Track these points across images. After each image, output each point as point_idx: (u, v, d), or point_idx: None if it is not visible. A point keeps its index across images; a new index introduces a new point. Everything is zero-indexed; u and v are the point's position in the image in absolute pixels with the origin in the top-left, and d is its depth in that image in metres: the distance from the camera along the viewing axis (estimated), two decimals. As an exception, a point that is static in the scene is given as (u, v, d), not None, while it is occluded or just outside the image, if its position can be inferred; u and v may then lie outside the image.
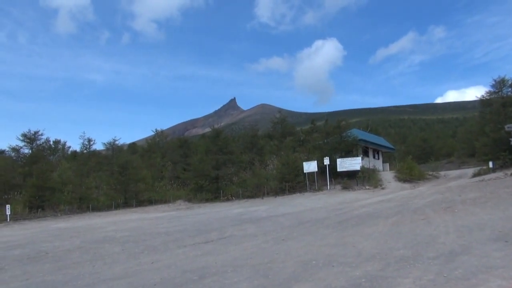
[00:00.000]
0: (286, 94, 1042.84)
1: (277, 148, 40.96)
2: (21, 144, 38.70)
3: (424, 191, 20.34)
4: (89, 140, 49.37)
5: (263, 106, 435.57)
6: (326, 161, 27.67)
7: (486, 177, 22.40)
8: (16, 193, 32.67)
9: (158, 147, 57.41)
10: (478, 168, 27.21)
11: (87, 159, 46.04)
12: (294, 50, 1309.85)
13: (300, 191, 27.67)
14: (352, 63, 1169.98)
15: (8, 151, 41.02)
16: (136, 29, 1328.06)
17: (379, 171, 32.79)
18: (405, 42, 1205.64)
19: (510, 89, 28.45)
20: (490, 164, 25.28)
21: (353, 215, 13.33)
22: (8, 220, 25.44)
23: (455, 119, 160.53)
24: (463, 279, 4.65)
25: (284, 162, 30.38)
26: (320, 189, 27.38)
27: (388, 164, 39.92)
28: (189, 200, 31.72)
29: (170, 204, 31.35)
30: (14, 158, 39.56)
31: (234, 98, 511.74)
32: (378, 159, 38.54)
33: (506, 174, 21.73)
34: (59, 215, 28.42)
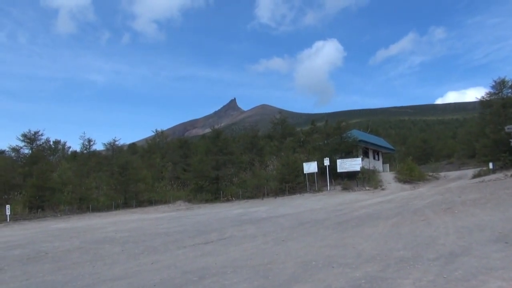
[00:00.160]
0: (286, 94, 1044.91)
1: (277, 149, 40.96)
2: (21, 144, 38.68)
3: (424, 192, 20.33)
4: (89, 141, 49.47)
5: (263, 106, 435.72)
6: (326, 162, 27.66)
7: (486, 178, 22.39)
8: (16, 193, 32.64)
9: (158, 148, 57.41)
10: (478, 169, 27.19)
11: (87, 160, 46.05)
12: (294, 51, 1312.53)
13: (300, 192, 27.66)
14: (352, 64, 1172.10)
15: (8, 151, 41.00)
16: (137, 30, 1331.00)
17: (379, 172, 32.78)
18: (406, 43, 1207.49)
19: (510, 90, 28.45)
20: (490, 165, 25.27)
21: (353, 216, 13.33)
22: (8, 220, 25.43)
23: (455, 120, 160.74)
24: (463, 280, 4.65)
25: (284, 163, 30.37)
26: (320, 190, 27.36)
27: (388, 165, 39.93)
28: (189, 201, 31.70)
29: (170, 205, 31.34)
30: (14, 158, 39.50)
31: (234, 99, 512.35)
32: (378, 160, 38.55)
33: (506, 175, 21.72)
34: (59, 215, 28.41)
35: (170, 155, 50.01)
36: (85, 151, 49.74)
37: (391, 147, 44.00)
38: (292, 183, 28.43)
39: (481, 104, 31.08)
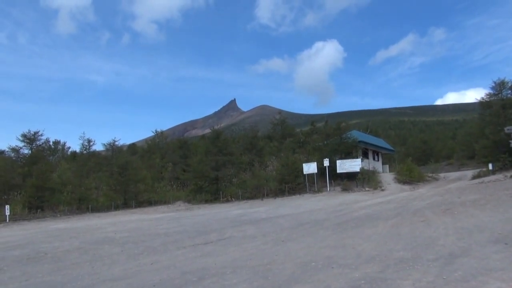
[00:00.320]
0: (286, 95, 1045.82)
1: (277, 149, 40.96)
2: (20, 144, 38.55)
3: (423, 193, 20.33)
4: (89, 141, 49.34)
5: (263, 107, 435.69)
6: (326, 162, 27.66)
7: (486, 179, 22.40)
8: (15, 193, 32.60)
9: (157, 148, 57.39)
10: (478, 170, 27.21)
11: (87, 160, 45.97)
12: (294, 52, 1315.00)
13: (299, 193, 27.66)
14: (352, 64, 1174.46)
15: (7, 151, 40.88)
16: (137, 30, 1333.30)
17: (378, 172, 32.79)
18: (405, 44, 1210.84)
19: (510, 91, 28.48)
20: (490, 166, 25.29)
21: (353, 216, 13.32)
22: (8, 220, 25.40)
23: (455, 121, 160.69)
24: (462, 281, 4.65)
25: (283, 164, 30.37)
26: (319, 190, 27.37)
27: (387, 166, 39.95)
28: (189, 201, 31.68)
29: (170, 205, 31.32)
30: (14, 158, 39.42)
31: (234, 99, 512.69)
32: (378, 160, 38.57)
33: (505, 176, 21.74)
34: (58, 215, 28.39)
35: (169, 155, 50.00)
36: (85, 152, 49.66)
37: (391, 147, 44.02)
38: (292, 184, 28.43)
39: (481, 105, 31.10)
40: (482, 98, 30.62)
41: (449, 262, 5.64)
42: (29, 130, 38.87)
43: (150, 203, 32.87)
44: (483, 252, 6.04)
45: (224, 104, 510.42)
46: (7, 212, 25.76)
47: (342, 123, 33.22)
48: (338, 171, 28.51)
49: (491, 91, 29.18)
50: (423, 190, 22.35)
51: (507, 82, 28.36)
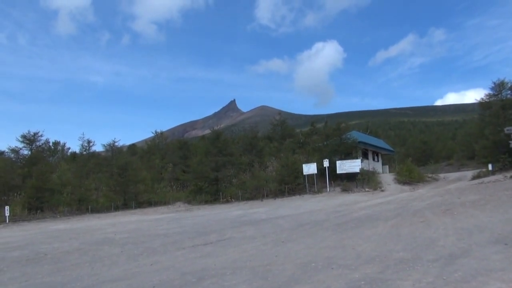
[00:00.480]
0: (286, 96, 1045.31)
1: (277, 150, 40.94)
2: (20, 145, 38.53)
3: (423, 193, 20.34)
4: (89, 142, 49.35)
5: (263, 108, 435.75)
6: (326, 163, 27.66)
7: (486, 179, 22.42)
8: (15, 194, 32.57)
9: (157, 149, 57.34)
10: (478, 170, 27.22)
11: (87, 161, 45.97)
12: (294, 52, 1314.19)
13: (299, 193, 27.65)
14: (352, 65, 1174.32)
15: (7, 152, 40.84)
16: (136, 31, 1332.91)
17: (378, 173, 32.79)
18: (405, 44, 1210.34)
19: (509, 91, 28.46)
20: (490, 167, 25.31)
21: (353, 217, 13.32)
22: (7, 221, 25.39)
23: (454, 122, 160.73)
24: (462, 281, 4.65)
25: (283, 164, 30.37)
26: (319, 191, 27.36)
27: (387, 166, 39.95)
28: (189, 202, 31.67)
29: (170, 206, 31.30)
30: (14, 159, 39.38)
31: (234, 100, 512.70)
32: (378, 161, 38.58)
33: (505, 176, 21.75)
34: (58, 216, 28.37)
35: (169, 156, 49.97)
36: (85, 152, 49.65)
37: (391, 148, 44.04)
38: (292, 185, 28.42)
39: (481, 105, 31.10)
40: (482, 98, 30.62)
41: (449, 262, 5.64)
42: (28, 131, 38.84)
43: (150, 204, 32.85)
44: (483, 253, 6.05)
45: (224, 104, 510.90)
46: (7, 213, 25.74)
47: (342, 124, 33.22)
48: (338, 171, 28.52)
49: (491, 92, 29.18)
50: (423, 191, 22.35)
51: (507, 83, 28.36)
